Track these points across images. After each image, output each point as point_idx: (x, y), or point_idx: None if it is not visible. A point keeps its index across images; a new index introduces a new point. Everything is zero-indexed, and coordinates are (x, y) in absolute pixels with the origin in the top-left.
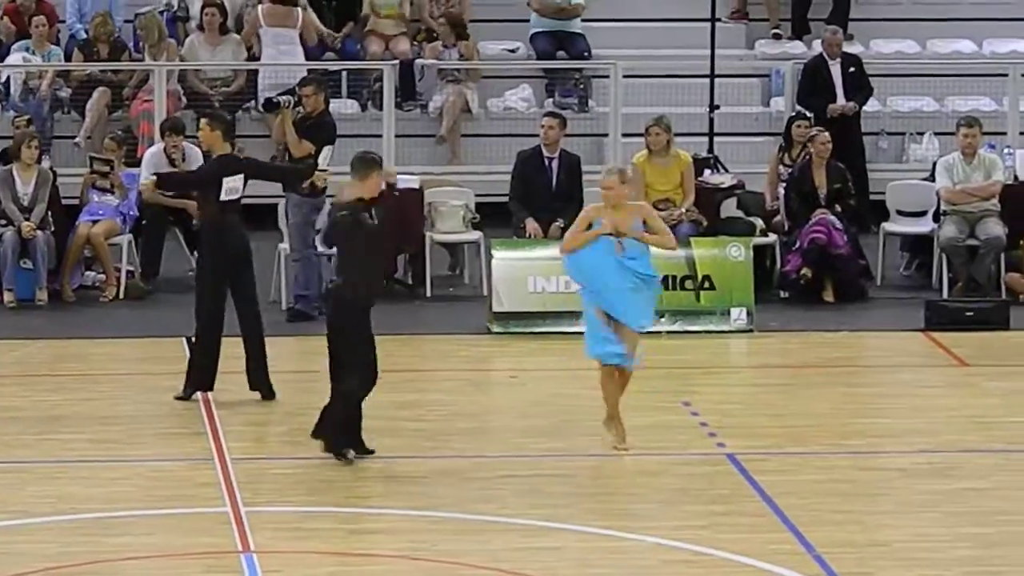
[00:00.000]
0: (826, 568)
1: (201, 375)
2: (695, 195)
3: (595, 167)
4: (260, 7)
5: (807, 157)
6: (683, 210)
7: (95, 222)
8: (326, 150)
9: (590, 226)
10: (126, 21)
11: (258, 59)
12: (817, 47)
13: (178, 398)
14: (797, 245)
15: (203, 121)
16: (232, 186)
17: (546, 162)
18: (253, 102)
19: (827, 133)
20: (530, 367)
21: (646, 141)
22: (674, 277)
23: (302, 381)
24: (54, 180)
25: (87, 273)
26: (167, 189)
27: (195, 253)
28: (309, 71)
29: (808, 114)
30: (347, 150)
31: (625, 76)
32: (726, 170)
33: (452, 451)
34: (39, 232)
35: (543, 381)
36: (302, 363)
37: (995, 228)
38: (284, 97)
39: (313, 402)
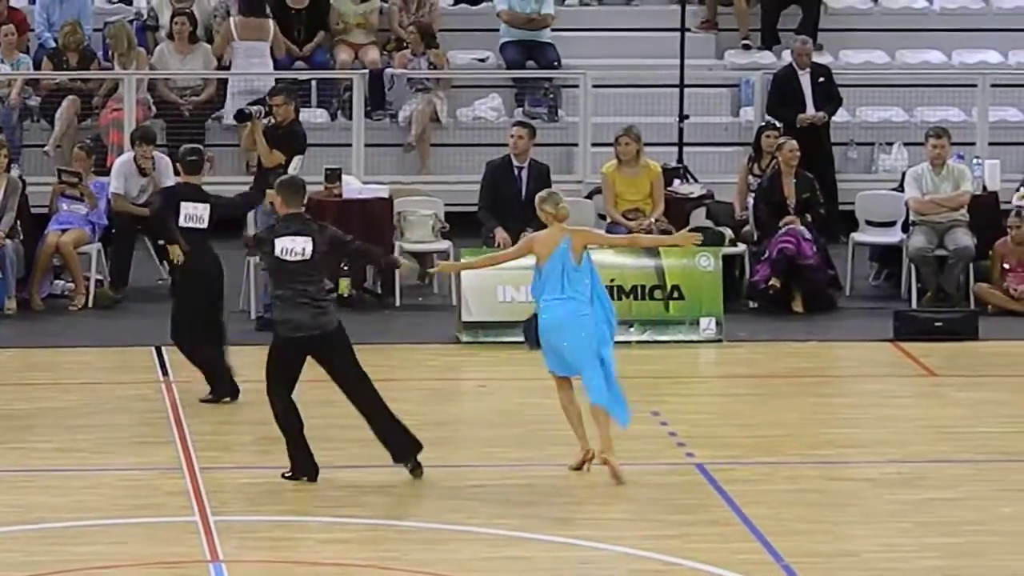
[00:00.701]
0: None
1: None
2: (665, 205)
3: (565, 176)
4: (232, 19)
5: (776, 167)
6: (652, 219)
7: (64, 231)
8: (296, 160)
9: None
10: (95, 30)
11: (228, 69)
12: (787, 57)
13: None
14: (766, 255)
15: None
16: (189, 213)
17: (515, 171)
18: (222, 111)
19: (794, 141)
20: (499, 377)
21: (616, 151)
22: (643, 287)
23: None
24: (23, 189)
25: (56, 282)
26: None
27: (164, 263)
28: (279, 81)
29: (778, 124)
30: (317, 160)
31: (595, 86)
32: (695, 180)
33: (421, 460)
34: (8, 241)
35: (512, 391)
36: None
37: (964, 238)
38: (255, 107)
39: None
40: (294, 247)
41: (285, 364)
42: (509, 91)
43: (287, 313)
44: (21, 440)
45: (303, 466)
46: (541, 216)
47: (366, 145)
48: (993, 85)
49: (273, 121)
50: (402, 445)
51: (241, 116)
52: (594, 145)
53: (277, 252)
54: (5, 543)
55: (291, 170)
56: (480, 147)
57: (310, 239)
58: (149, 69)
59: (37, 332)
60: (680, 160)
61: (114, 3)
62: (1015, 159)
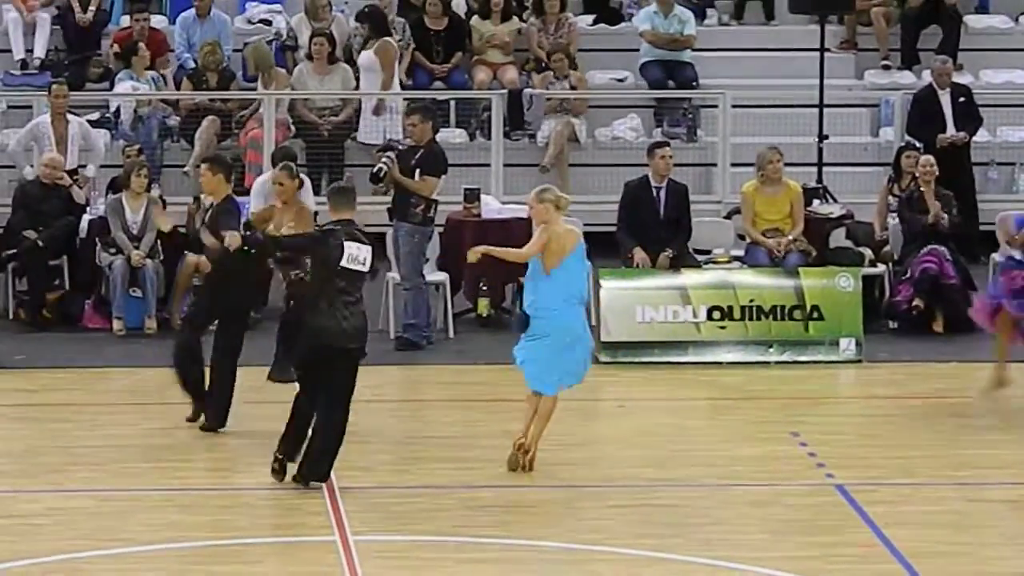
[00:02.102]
0: None
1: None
2: (804, 225)
3: (703, 196)
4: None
5: (917, 186)
6: (790, 238)
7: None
8: (440, 181)
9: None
10: (235, 50)
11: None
12: (927, 77)
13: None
14: (908, 275)
15: (204, 166)
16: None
17: (654, 192)
18: (355, 132)
19: (930, 156)
20: (638, 396)
21: (761, 170)
22: (783, 307)
23: (409, 410)
24: (164, 209)
25: None
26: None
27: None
28: (415, 99)
29: (918, 144)
30: (456, 179)
31: (734, 106)
32: (835, 200)
33: (560, 481)
34: (148, 261)
35: (651, 411)
36: (409, 392)
37: None
38: (384, 162)
39: (419, 430)
40: (359, 255)
41: (320, 372)
42: (648, 111)
43: (329, 321)
44: (161, 459)
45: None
46: (541, 208)
47: (505, 165)
48: None
49: (409, 142)
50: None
51: (375, 179)
52: (733, 165)
53: (344, 259)
54: (146, 562)
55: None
56: (619, 167)
57: (370, 249)
58: (289, 89)
59: None
60: (819, 180)
61: (254, 24)
62: None
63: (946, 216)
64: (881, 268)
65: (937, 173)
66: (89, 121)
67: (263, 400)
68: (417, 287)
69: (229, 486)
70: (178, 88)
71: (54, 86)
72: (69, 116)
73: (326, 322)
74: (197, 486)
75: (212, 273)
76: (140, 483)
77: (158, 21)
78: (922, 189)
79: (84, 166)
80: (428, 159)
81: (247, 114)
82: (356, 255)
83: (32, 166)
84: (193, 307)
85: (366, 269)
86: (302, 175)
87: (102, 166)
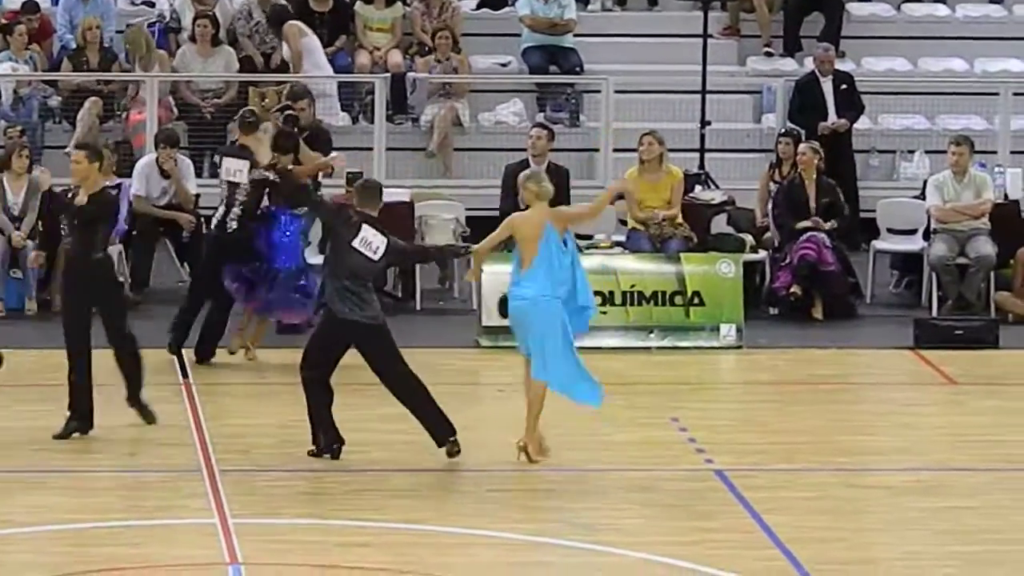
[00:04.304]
0: None
1: None
2: (684, 211)
3: (586, 181)
4: (296, 23)
5: (797, 173)
6: (663, 215)
7: None
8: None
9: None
10: (118, 31)
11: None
12: (809, 64)
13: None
14: (787, 261)
15: (78, 152)
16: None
17: None
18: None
19: (812, 143)
20: (518, 381)
21: (639, 152)
22: (664, 292)
23: (290, 393)
24: (50, 189)
25: None
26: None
27: (186, 265)
28: (296, 83)
29: (796, 131)
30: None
31: (617, 91)
32: (717, 186)
33: (439, 464)
34: (29, 242)
35: None
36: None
37: (985, 247)
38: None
39: (301, 413)
40: (373, 242)
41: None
42: (531, 96)
43: (334, 303)
44: (39, 441)
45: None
46: (525, 195)
47: (387, 149)
48: (1015, 94)
49: (298, 126)
50: (440, 427)
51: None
52: (615, 151)
53: (356, 240)
54: (22, 543)
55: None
56: (502, 152)
57: (386, 241)
58: (171, 71)
59: (58, 333)
60: (701, 166)
61: (137, 4)
62: None
63: (831, 224)
64: (762, 254)
65: (817, 162)
66: None
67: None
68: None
69: (107, 468)
70: (58, 69)
71: None
72: None
73: (335, 304)
74: (74, 468)
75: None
76: (18, 464)
77: (41, 4)
78: (803, 177)
79: None
80: (314, 138)
81: (127, 99)
82: (371, 241)
83: None
84: None
85: (376, 258)
86: (183, 157)
87: None
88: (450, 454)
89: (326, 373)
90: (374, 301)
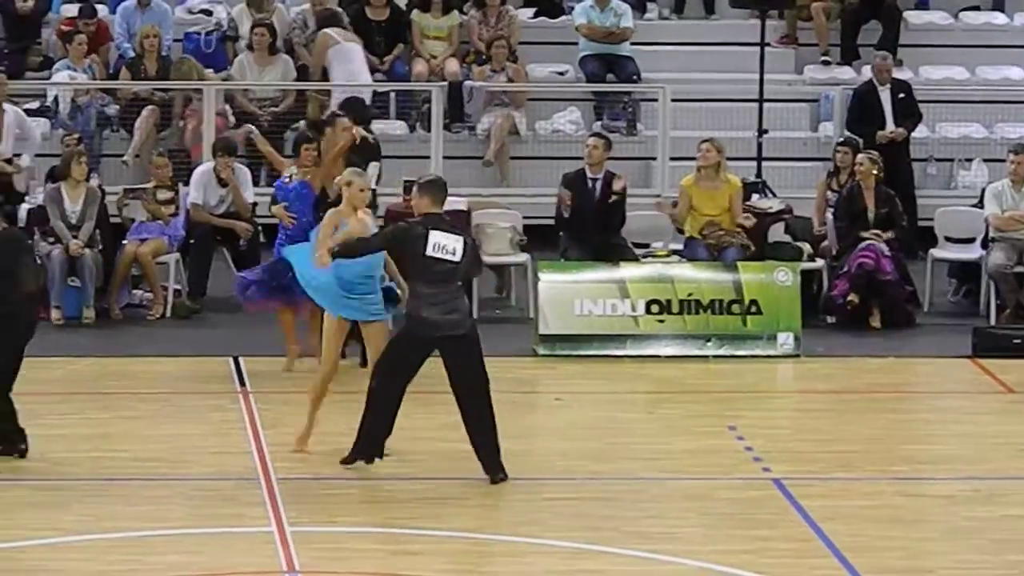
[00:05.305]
0: None
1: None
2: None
3: (642, 190)
4: (330, 30)
5: (855, 182)
6: (723, 229)
7: (143, 241)
8: (372, 167)
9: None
10: (175, 40)
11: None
12: (866, 73)
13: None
14: (845, 270)
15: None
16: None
17: (590, 183)
18: (302, 122)
19: (870, 153)
20: (575, 390)
21: (697, 160)
22: (721, 301)
23: (350, 401)
24: (102, 198)
25: (134, 292)
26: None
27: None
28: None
29: (854, 140)
30: (395, 171)
31: (674, 100)
32: (774, 195)
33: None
34: (87, 250)
35: (588, 404)
36: (350, 383)
37: None
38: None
39: (357, 422)
40: (448, 244)
41: (408, 361)
42: (588, 104)
43: (422, 311)
44: (98, 449)
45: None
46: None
47: (444, 157)
48: None
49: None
50: (492, 460)
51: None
52: (672, 159)
53: (428, 248)
54: (81, 551)
55: (370, 174)
56: (559, 160)
57: (462, 240)
58: (228, 80)
59: (115, 342)
60: (759, 175)
61: (194, 13)
62: None
63: (889, 234)
64: (819, 263)
65: (875, 172)
66: (28, 110)
67: (207, 391)
68: None
69: (165, 476)
70: (116, 77)
71: None
72: (4, 105)
73: (415, 312)
74: (133, 476)
75: None
76: (77, 473)
77: (100, 10)
78: (861, 187)
79: (19, 155)
80: (360, 147)
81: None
82: (444, 244)
83: None
84: None
85: (457, 259)
86: (240, 165)
87: (42, 155)
88: (493, 482)
89: (403, 384)
90: (464, 306)
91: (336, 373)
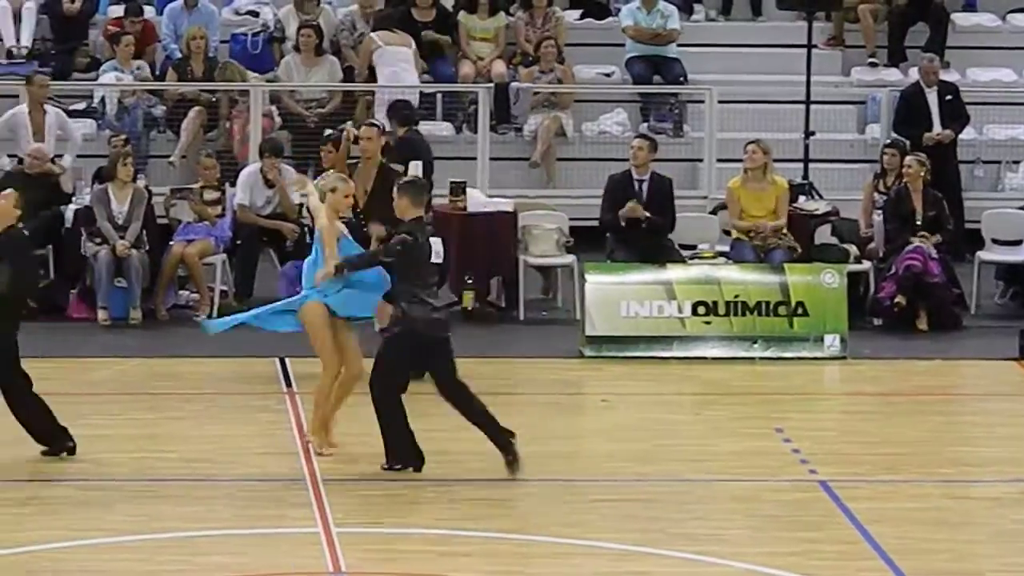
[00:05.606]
0: None
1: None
2: (789, 221)
3: (689, 192)
4: (375, 33)
5: (903, 184)
6: (771, 226)
7: (189, 242)
8: (413, 165)
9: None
10: (222, 41)
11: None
12: (914, 74)
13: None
14: (892, 272)
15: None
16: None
17: (636, 184)
18: (350, 123)
19: (918, 155)
20: (621, 391)
21: (744, 162)
22: (767, 303)
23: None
24: (149, 199)
25: (181, 292)
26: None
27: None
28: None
29: (901, 142)
30: (442, 173)
31: (720, 101)
32: (821, 196)
33: (542, 474)
34: (133, 251)
35: (634, 406)
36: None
37: None
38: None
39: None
40: (439, 249)
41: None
42: (635, 106)
43: (426, 313)
44: (144, 450)
45: (405, 455)
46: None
47: (491, 159)
48: None
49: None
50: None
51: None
52: (719, 161)
53: (433, 255)
54: (128, 552)
55: (411, 173)
56: (605, 162)
57: (440, 241)
58: (275, 81)
59: (161, 342)
60: (805, 176)
61: (241, 14)
62: None
63: (936, 238)
64: (866, 265)
65: (923, 174)
66: (75, 111)
67: (253, 392)
68: None
69: (211, 477)
70: (163, 78)
71: (36, 76)
72: (47, 106)
73: (422, 314)
74: (180, 476)
75: None
76: (123, 473)
77: (146, 11)
78: (909, 189)
79: (60, 156)
80: (401, 146)
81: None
82: (438, 250)
83: (9, 156)
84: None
85: (440, 260)
86: (287, 167)
87: (90, 156)
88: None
89: (403, 387)
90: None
91: (341, 367)
